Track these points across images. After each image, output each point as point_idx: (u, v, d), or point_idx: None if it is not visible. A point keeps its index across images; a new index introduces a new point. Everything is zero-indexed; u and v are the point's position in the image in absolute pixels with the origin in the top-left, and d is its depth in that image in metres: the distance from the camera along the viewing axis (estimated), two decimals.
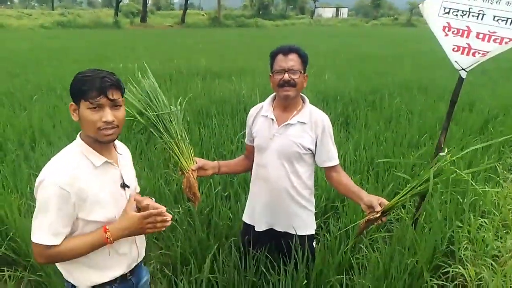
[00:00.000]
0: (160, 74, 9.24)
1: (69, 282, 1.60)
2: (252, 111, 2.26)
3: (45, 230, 1.43)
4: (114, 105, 1.47)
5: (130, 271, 1.70)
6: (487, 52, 2.50)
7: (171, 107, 2.10)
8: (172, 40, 22.12)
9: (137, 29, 34.49)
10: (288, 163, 2.11)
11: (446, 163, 1.87)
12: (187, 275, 2.46)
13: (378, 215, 1.88)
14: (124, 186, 1.59)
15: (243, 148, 4.28)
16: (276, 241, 2.27)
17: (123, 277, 1.66)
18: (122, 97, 1.53)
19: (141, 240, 1.75)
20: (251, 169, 2.29)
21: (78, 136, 1.54)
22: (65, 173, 1.43)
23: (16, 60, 12.16)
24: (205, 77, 9.59)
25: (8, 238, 2.88)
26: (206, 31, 32.39)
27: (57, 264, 1.60)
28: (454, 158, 1.85)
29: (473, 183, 1.79)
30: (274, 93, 2.17)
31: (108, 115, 1.44)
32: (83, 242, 1.49)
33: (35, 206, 1.45)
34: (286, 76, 2.00)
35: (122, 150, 1.69)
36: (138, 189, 1.79)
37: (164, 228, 1.57)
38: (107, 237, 1.49)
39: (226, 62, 12.33)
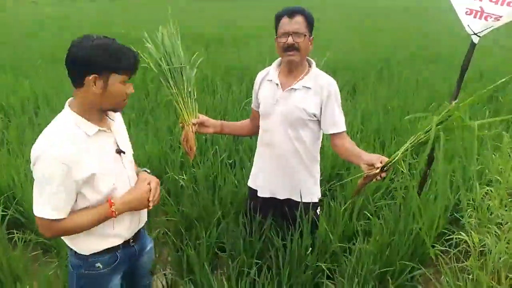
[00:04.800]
0: None
1: (72, 249, 1.60)
2: (259, 76, 2.21)
3: (48, 204, 1.41)
4: None
5: (133, 238, 1.71)
6: (500, 16, 2.41)
7: (184, 65, 2.07)
8: (174, 4, 21.69)
9: None
10: (292, 128, 2.06)
11: (450, 110, 1.77)
12: (192, 240, 2.49)
13: (378, 170, 1.83)
14: (119, 152, 1.57)
15: (248, 115, 4.24)
16: (280, 208, 2.26)
17: (125, 244, 1.67)
18: None
19: None
20: (255, 133, 2.26)
21: (67, 106, 1.48)
22: (63, 147, 1.39)
23: (18, 28, 12.00)
24: (210, 44, 9.43)
25: (15, 202, 2.91)
26: None
27: None
28: (460, 104, 1.72)
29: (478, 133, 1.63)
30: (280, 58, 2.11)
31: (131, 87, 1.53)
32: (88, 216, 1.49)
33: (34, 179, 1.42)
34: (290, 39, 1.93)
35: (114, 116, 1.65)
36: (132, 152, 1.76)
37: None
38: (113, 211, 1.51)
39: (230, 27, 12.10)
